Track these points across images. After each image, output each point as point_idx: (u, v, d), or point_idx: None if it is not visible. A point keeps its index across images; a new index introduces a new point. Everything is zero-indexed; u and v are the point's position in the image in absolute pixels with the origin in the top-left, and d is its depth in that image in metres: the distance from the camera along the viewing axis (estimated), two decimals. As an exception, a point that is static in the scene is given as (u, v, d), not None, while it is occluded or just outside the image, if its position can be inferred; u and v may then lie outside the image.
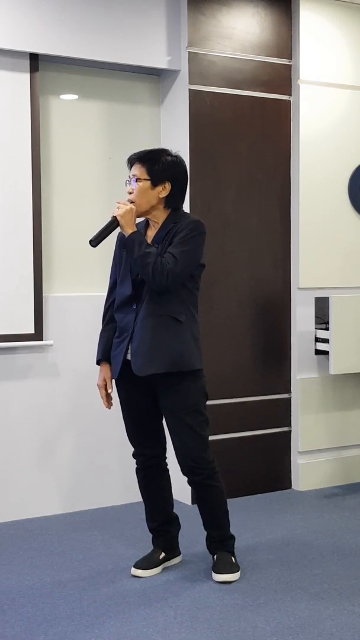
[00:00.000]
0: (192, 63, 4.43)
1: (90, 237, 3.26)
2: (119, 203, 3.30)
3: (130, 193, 3.34)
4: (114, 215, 3.27)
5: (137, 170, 3.33)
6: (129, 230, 3.26)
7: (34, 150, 4.19)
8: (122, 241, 3.36)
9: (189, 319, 3.34)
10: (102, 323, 3.52)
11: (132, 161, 3.37)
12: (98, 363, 3.49)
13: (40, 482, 4.32)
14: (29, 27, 4.11)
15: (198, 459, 3.33)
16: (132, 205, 3.28)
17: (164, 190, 3.35)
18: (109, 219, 3.29)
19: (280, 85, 4.69)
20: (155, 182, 3.32)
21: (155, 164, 3.32)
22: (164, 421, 3.48)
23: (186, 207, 4.33)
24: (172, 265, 3.22)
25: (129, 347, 3.32)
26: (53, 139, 4.39)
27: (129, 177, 3.35)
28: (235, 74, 4.56)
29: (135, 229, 3.27)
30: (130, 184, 3.34)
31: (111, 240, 3.51)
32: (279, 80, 4.69)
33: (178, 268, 3.23)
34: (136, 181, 3.32)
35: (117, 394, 3.48)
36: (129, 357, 3.33)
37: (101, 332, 3.51)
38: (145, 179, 3.31)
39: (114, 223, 3.27)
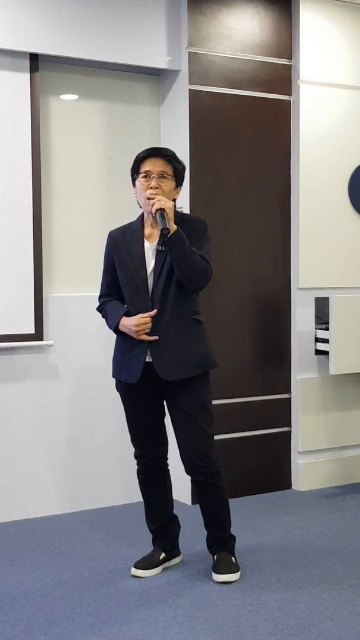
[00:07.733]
0: (192, 63, 4.43)
1: (164, 228, 3.11)
2: (155, 195, 3.20)
3: (155, 187, 3.23)
4: (161, 207, 3.14)
5: (165, 167, 3.27)
6: (173, 225, 3.17)
7: (34, 150, 4.19)
8: (164, 235, 3.14)
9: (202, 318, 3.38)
10: (100, 307, 3.44)
11: (154, 155, 3.28)
12: (116, 327, 3.31)
13: (40, 482, 4.32)
14: (29, 27, 4.11)
15: (203, 458, 3.32)
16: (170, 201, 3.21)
17: (177, 193, 3.37)
18: (153, 213, 3.16)
19: (280, 85, 4.69)
20: (177, 183, 3.34)
21: (179, 165, 3.33)
22: (165, 421, 3.48)
23: (186, 207, 4.35)
24: (208, 266, 3.26)
25: (147, 351, 3.27)
26: (53, 139, 4.39)
27: (145, 172, 3.26)
28: (235, 74, 4.55)
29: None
30: (152, 178, 3.25)
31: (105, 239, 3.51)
32: (279, 80, 4.69)
33: (210, 269, 3.28)
34: (164, 177, 3.26)
35: (119, 396, 3.48)
36: (147, 359, 3.28)
37: (107, 302, 3.40)
38: (172, 178, 3.30)
39: (162, 215, 3.13)
